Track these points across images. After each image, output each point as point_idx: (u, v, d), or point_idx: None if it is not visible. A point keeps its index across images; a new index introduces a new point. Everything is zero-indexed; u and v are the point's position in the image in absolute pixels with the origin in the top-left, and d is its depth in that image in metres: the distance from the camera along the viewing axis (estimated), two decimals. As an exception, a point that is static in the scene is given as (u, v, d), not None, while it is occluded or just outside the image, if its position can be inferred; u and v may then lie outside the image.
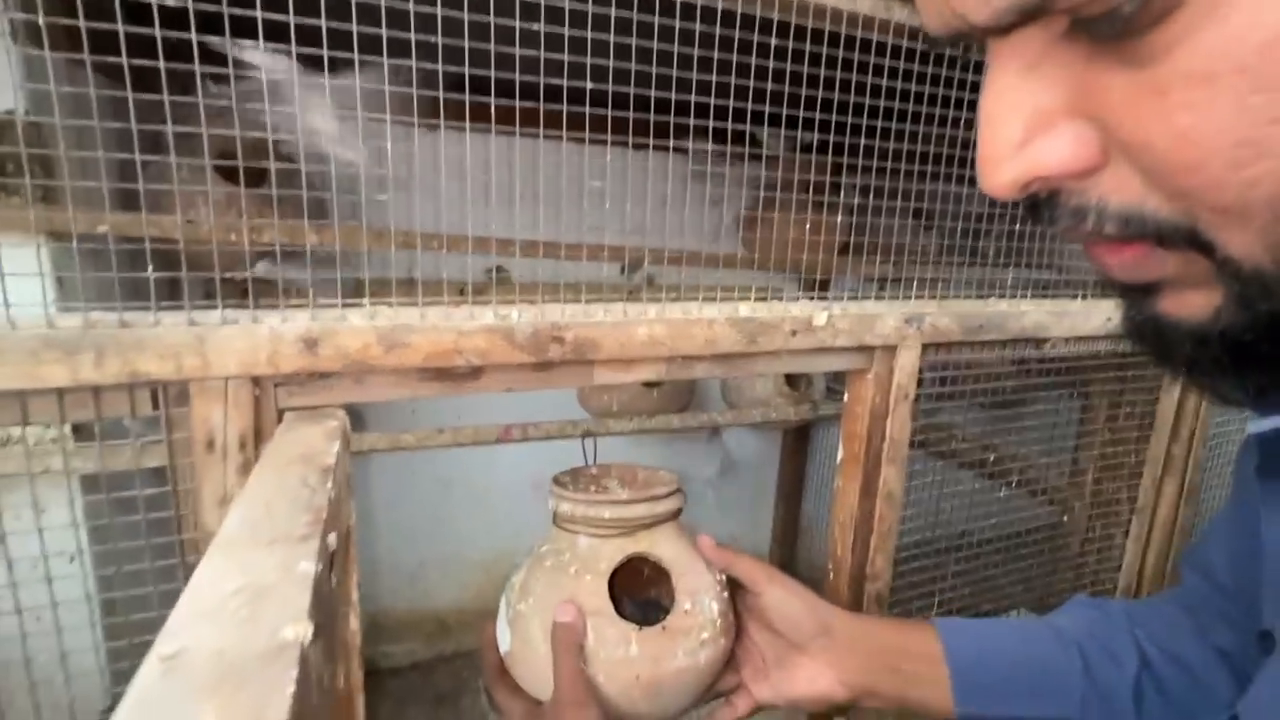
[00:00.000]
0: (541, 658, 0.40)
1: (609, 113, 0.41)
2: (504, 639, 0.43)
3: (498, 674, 0.44)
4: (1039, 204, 0.19)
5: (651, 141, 0.45)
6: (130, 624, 0.35)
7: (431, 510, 1.45)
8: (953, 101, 0.54)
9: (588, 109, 0.38)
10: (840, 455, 0.59)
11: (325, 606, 0.21)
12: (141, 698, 0.14)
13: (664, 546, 0.45)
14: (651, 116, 0.44)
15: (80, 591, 0.35)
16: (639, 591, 0.51)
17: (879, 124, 0.52)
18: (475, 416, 1.29)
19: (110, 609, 0.37)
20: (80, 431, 0.64)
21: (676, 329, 0.45)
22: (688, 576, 0.44)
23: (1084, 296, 0.68)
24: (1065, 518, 0.83)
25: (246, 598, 0.17)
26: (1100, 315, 0.66)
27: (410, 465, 1.40)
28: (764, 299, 0.52)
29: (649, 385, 1.25)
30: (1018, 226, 0.66)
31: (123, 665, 0.35)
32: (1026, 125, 0.18)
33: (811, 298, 0.56)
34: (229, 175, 0.79)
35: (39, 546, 0.34)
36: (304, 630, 0.16)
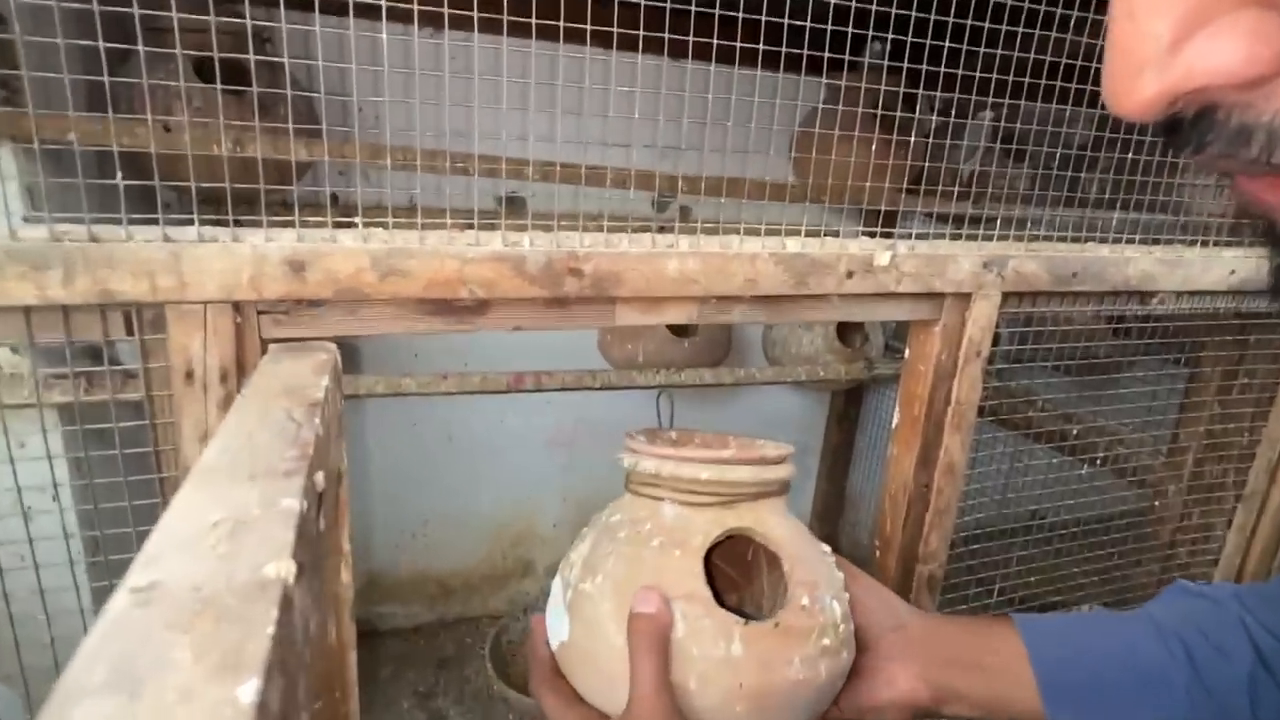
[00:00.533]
0: (614, 653, 0.35)
1: (641, 2, 0.39)
2: (559, 628, 0.38)
3: (549, 674, 0.38)
4: (1182, 123, 0.16)
5: (691, 40, 0.43)
6: (113, 564, 0.37)
7: (434, 465, 1.49)
8: (1062, -3, 0.50)
9: (615, 2, 0.37)
10: (896, 419, 0.59)
11: (311, 549, 0.21)
12: (112, 630, 0.14)
13: (773, 525, 0.39)
14: (692, 9, 0.42)
15: (59, 528, 0.37)
16: (722, 588, 0.45)
17: (966, 22, 0.49)
18: (483, 363, 1.31)
19: (93, 548, 0.39)
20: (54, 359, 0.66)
21: (713, 265, 0.44)
22: (805, 565, 0.39)
23: (1204, 244, 0.64)
24: (1156, 502, 0.82)
25: (226, 531, 0.18)
26: (1222, 267, 0.63)
27: (412, 414, 1.44)
28: (817, 235, 0.50)
29: (679, 334, 1.25)
30: (1129, 156, 0.62)
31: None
32: (1180, 19, 0.15)
33: (873, 235, 0.53)
34: (205, 78, 0.79)
35: (14, 479, 0.35)
36: (287, 568, 0.17)
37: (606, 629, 0.36)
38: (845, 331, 1.39)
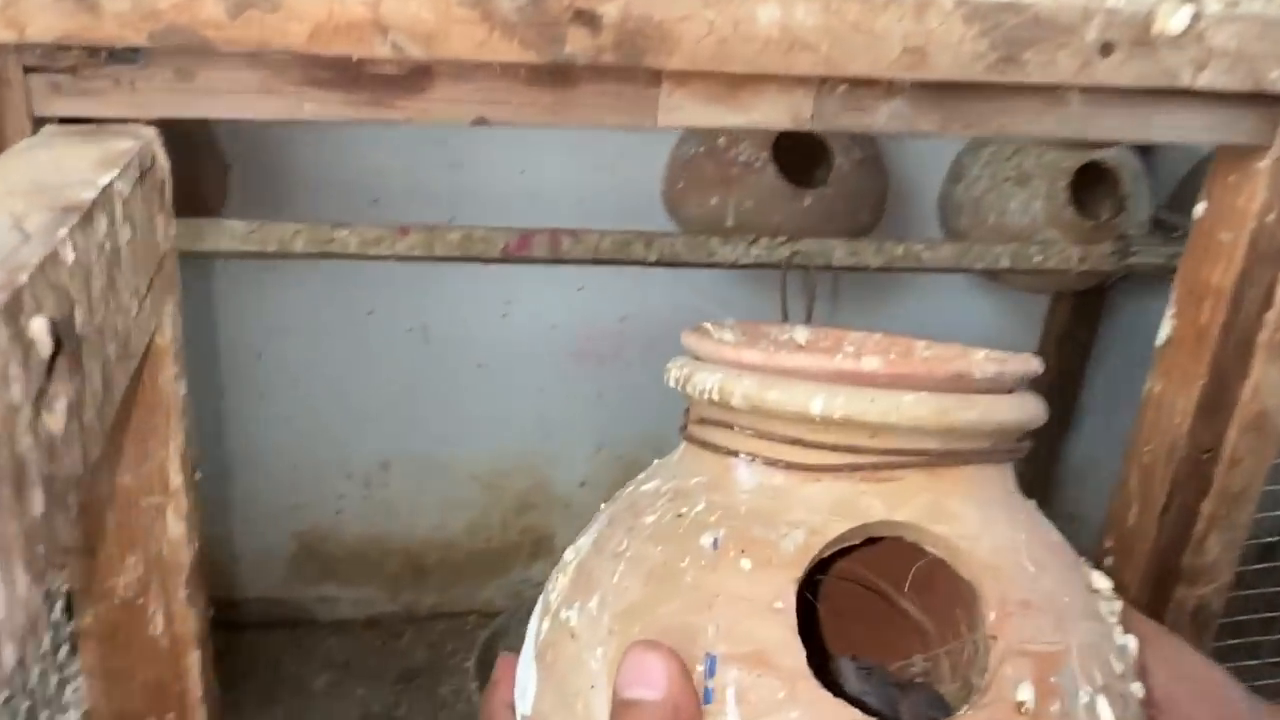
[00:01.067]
0: None
1: None
2: (525, 686, 0.35)
3: None
4: None
5: None
6: None
7: (400, 378, 1.51)
8: None
9: None
10: (1166, 329, 0.55)
11: (18, 473, 0.19)
12: None
13: (972, 524, 0.33)
14: None
15: None
16: (881, 647, 0.42)
17: None
18: (481, 216, 1.29)
19: None
20: None
21: (844, 17, 0.40)
22: (1035, 618, 0.32)
23: None
24: None
25: None
26: None
27: (368, 297, 1.45)
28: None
29: (798, 180, 1.20)
30: None
31: None
32: None
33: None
34: None
35: None
36: None
37: (592, 704, 0.31)
38: (1087, 191, 1.29)
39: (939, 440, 0.33)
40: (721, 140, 1.20)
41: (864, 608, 0.43)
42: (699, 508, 0.34)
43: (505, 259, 0.92)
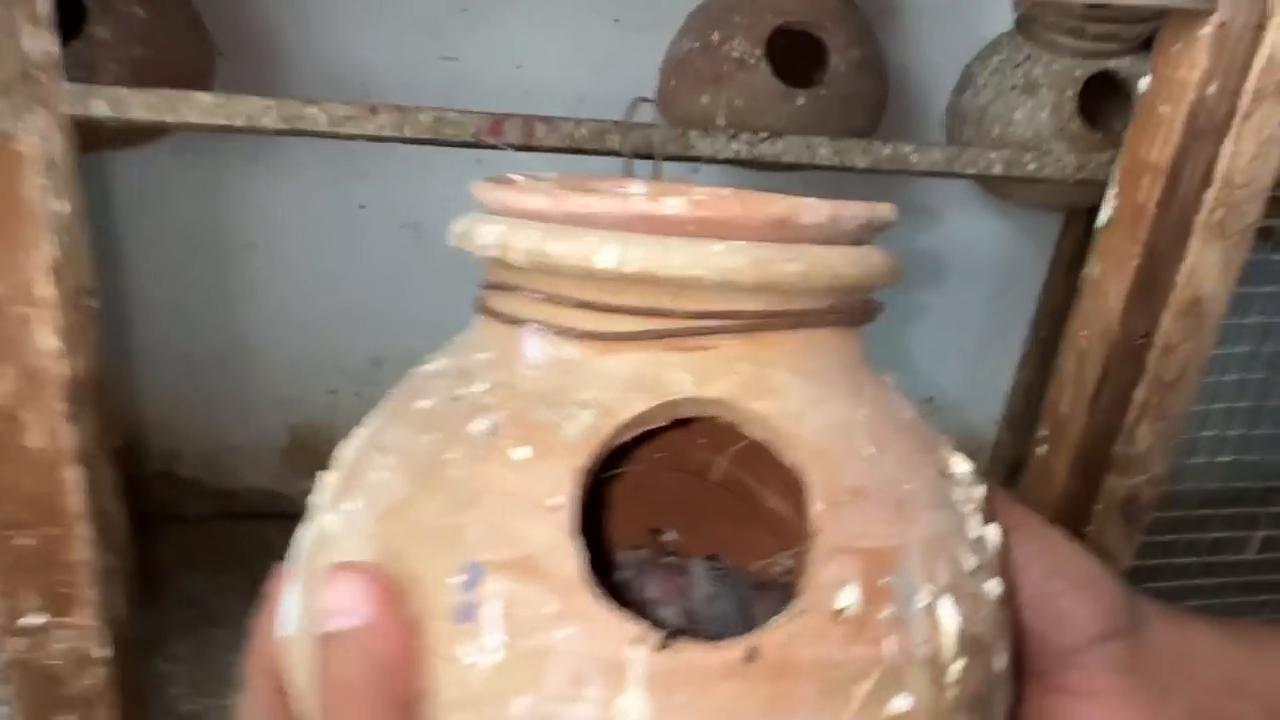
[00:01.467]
0: None
1: None
2: (286, 607, 0.32)
3: (264, 683, 0.33)
4: None
5: None
6: None
7: (392, 274, 1.52)
8: None
9: None
10: (1107, 210, 0.55)
11: None
12: None
13: (797, 399, 0.29)
14: None
15: None
16: (745, 547, 0.38)
17: None
18: (469, 93, 1.27)
19: None
20: None
21: None
22: (863, 507, 0.29)
23: None
24: None
25: None
26: None
27: (357, 191, 1.46)
28: None
29: (795, 79, 1.18)
30: None
31: None
32: None
33: None
34: None
35: None
36: None
37: None
38: (1099, 103, 1.26)
39: (759, 299, 0.28)
40: (715, 36, 1.18)
41: (729, 506, 0.39)
42: (478, 388, 0.29)
43: (477, 144, 0.91)
